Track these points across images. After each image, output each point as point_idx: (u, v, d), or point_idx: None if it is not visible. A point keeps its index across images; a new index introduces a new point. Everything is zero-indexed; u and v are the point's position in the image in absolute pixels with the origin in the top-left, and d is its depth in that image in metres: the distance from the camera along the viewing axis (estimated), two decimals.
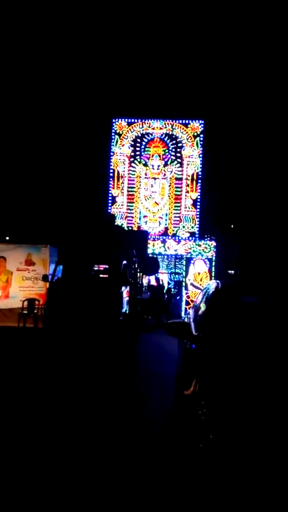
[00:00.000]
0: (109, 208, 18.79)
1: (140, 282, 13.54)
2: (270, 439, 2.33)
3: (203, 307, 4.60)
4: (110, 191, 18.93)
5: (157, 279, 17.01)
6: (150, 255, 15.16)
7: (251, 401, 2.56)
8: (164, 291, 16.11)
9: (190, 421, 2.76)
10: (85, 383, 6.47)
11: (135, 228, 18.25)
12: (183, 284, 18.06)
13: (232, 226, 25.46)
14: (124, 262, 9.60)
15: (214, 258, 18.17)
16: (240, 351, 3.21)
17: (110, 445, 4.25)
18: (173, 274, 19.47)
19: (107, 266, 9.91)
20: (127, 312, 9.95)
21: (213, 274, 18.10)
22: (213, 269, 18.13)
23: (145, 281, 16.22)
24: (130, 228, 18.19)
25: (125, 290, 9.70)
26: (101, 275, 10.49)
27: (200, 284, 18.01)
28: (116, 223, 15.10)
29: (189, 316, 5.68)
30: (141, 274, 13.32)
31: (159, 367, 7.83)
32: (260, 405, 2.52)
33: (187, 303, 17.98)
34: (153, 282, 17.21)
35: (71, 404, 5.47)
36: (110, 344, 7.87)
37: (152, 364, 8.16)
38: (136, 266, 11.94)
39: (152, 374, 7.37)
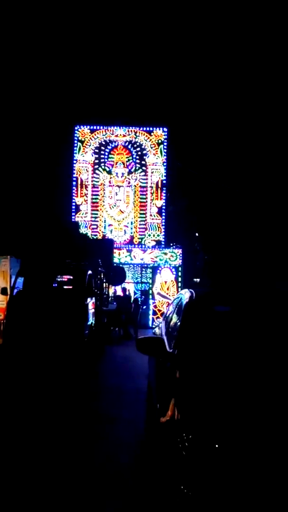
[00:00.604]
0: (73, 216, 18.26)
1: (106, 292, 13.09)
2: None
3: (175, 318, 4.25)
4: (73, 199, 18.41)
5: (123, 289, 16.60)
6: (116, 265, 14.75)
7: (243, 434, 2.19)
8: (131, 301, 15.71)
9: (169, 457, 2.37)
10: (46, 402, 5.94)
11: (99, 237, 17.80)
12: (150, 293, 17.75)
13: (197, 234, 25.48)
14: (89, 272, 9.14)
15: (180, 266, 18.00)
16: (220, 368, 2.86)
17: (69, 477, 3.73)
18: (140, 284, 19.13)
19: (71, 277, 9.42)
20: (93, 324, 9.48)
21: (179, 283, 17.91)
22: (179, 277, 17.96)
23: (111, 291, 15.78)
24: (94, 237, 17.72)
25: (90, 302, 9.24)
26: (65, 286, 9.98)
27: (167, 293, 17.76)
28: (80, 232, 14.61)
29: (159, 327, 5.31)
30: (107, 284, 12.86)
31: (127, 383, 7.40)
32: (253, 437, 2.16)
33: (155, 313, 17.66)
34: (120, 292, 16.78)
35: (30, 425, 4.94)
36: (74, 359, 7.37)
37: (119, 380, 7.71)
38: (102, 276, 11.48)
39: (120, 391, 6.93)
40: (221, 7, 19.37)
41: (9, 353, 7.55)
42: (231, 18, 19.94)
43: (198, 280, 27.24)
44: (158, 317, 17.48)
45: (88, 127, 18.47)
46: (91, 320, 9.38)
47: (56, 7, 18.64)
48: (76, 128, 18.44)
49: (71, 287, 9.40)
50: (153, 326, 17.27)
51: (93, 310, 9.47)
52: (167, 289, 17.75)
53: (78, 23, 19.39)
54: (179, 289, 17.79)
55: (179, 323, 3.74)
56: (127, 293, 16.57)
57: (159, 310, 17.53)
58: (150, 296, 17.63)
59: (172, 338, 3.65)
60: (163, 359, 3.39)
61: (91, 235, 17.80)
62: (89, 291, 9.02)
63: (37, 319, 7.91)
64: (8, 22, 17.60)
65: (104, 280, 12.05)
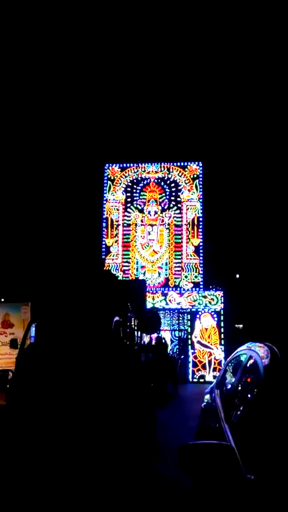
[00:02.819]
0: (103, 260, 16.97)
1: (139, 342, 11.31)
2: None
3: (243, 391, 2.54)
4: (103, 241, 17.20)
5: (158, 338, 14.75)
6: (149, 309, 13.08)
7: None
8: (168, 351, 13.64)
9: None
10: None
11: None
12: (189, 342, 15.80)
13: (237, 276, 23.53)
14: (116, 318, 7.54)
15: (222, 311, 16.06)
16: None
17: None
18: (177, 331, 17.23)
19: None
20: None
21: (222, 330, 15.91)
22: (221, 323, 15.98)
23: (146, 339, 14.00)
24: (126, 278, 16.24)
25: None
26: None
27: (208, 342, 15.75)
28: (105, 270, 13.17)
29: (211, 398, 3.57)
30: (139, 332, 11.13)
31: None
32: None
33: (195, 364, 15.61)
34: (154, 341, 14.95)
35: None
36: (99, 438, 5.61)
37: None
38: (133, 322, 9.83)
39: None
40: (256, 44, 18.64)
41: (10, 420, 5.89)
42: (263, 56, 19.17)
43: (240, 326, 24.97)
44: (198, 369, 15.42)
45: (118, 165, 17.56)
46: None
47: (83, 43, 18.48)
48: (106, 166, 17.59)
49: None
50: (194, 380, 15.21)
51: None
52: (208, 336, 15.75)
53: (107, 60, 19.13)
54: (222, 336, 15.76)
55: (252, 404, 2.04)
56: (163, 341, 14.63)
57: (200, 361, 15.47)
58: (189, 345, 15.66)
59: (240, 433, 1.94)
60: (235, 492, 1.67)
61: (123, 277, 16.34)
62: (116, 341, 7.36)
63: (49, 380, 6.28)
64: (36, 60, 17.48)
65: (136, 328, 10.37)
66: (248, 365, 2.69)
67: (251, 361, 2.62)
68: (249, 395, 2.37)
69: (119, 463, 4.67)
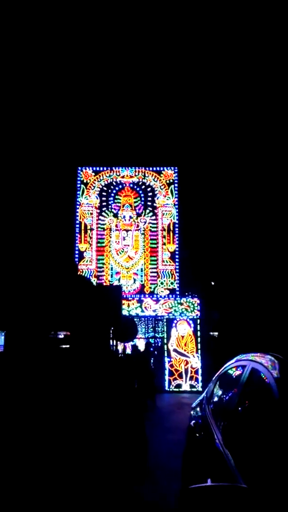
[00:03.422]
0: (76, 265, 16.39)
1: (114, 350, 10.82)
2: None
3: (244, 413, 2.14)
4: (76, 246, 16.63)
5: (133, 347, 14.26)
6: (126, 316, 12.61)
7: None
8: (147, 360, 12.80)
9: None
10: None
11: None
12: (165, 350, 15.39)
13: (212, 283, 23.37)
14: None
15: (199, 318, 15.75)
16: None
17: None
18: (152, 339, 16.80)
19: (67, 333, 7.32)
20: None
21: (198, 338, 15.58)
22: (198, 331, 15.65)
23: (120, 348, 13.51)
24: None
25: None
26: (60, 345, 7.84)
27: (185, 350, 15.37)
28: (78, 274, 12.59)
29: (195, 420, 3.16)
30: (114, 341, 10.63)
31: (147, 492, 5.02)
32: None
33: (171, 373, 15.19)
34: (128, 350, 14.47)
35: None
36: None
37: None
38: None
39: None
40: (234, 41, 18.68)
41: None
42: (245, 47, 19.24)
43: (215, 334, 24.75)
44: (175, 378, 15.01)
45: (92, 168, 17.10)
46: None
47: (57, 38, 18.01)
48: (79, 169, 17.09)
49: (67, 346, 7.26)
50: (170, 389, 14.77)
51: None
52: (185, 344, 15.39)
53: (84, 58, 18.72)
54: (198, 344, 15.42)
55: (267, 427, 1.63)
56: (140, 350, 14.09)
57: (176, 370, 15.07)
58: (165, 353, 15.25)
59: (254, 467, 1.53)
60: None
61: (96, 284, 15.79)
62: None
63: (21, 391, 5.67)
64: (11, 56, 16.88)
65: (111, 336, 9.87)
66: (248, 378, 2.29)
67: (253, 374, 2.22)
68: (257, 415, 1.97)
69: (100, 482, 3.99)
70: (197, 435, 2.81)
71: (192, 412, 3.64)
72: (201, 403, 3.40)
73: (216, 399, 2.90)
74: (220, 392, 2.91)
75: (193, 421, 3.18)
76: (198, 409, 3.36)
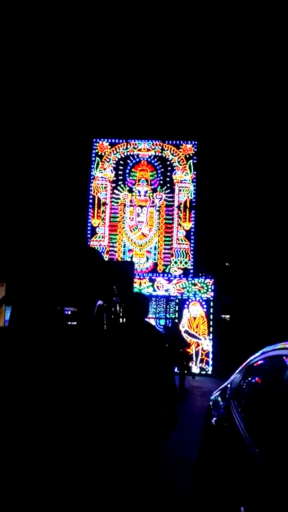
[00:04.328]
0: (88, 241, 15.92)
1: None
2: None
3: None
4: (89, 221, 16.12)
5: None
6: (137, 294, 12.15)
7: None
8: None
9: None
10: None
11: None
12: (177, 331, 14.94)
13: (227, 264, 22.75)
14: (100, 302, 6.57)
15: (212, 299, 15.23)
16: None
17: None
18: (163, 319, 16.37)
19: (74, 309, 6.87)
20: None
21: (210, 320, 15.10)
22: (211, 313, 15.16)
23: None
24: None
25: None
26: (67, 322, 7.41)
27: (196, 332, 14.92)
28: (88, 247, 12.15)
29: (216, 418, 2.66)
30: (124, 319, 10.19)
31: None
32: None
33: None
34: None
35: None
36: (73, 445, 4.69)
37: None
38: (118, 308, 8.89)
39: None
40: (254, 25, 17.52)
41: None
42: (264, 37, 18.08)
43: (227, 316, 24.25)
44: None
45: (108, 140, 16.42)
46: None
47: (69, 15, 17.11)
48: (94, 141, 16.42)
49: (74, 323, 6.82)
50: (178, 372, 14.36)
51: None
52: (196, 326, 14.96)
53: (100, 30, 17.81)
54: (211, 327, 14.95)
55: None
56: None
57: (187, 353, 14.66)
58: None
59: None
60: None
61: (108, 260, 15.34)
62: (98, 329, 6.42)
63: (25, 371, 5.31)
64: (23, 33, 16.10)
65: (121, 314, 9.43)
66: None
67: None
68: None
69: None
70: (219, 442, 2.31)
71: (211, 404, 3.15)
72: (223, 396, 2.90)
73: (245, 395, 2.39)
74: (251, 388, 2.39)
75: (214, 419, 2.68)
76: (220, 402, 2.86)
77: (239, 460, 1.85)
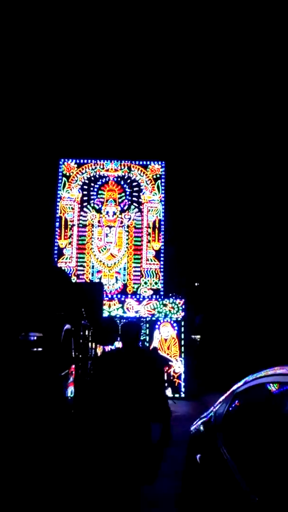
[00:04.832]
0: (55, 262, 15.43)
1: (93, 354, 9.93)
2: None
3: None
4: (56, 242, 15.68)
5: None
6: (107, 317, 11.75)
7: None
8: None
9: None
10: None
11: None
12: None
13: (196, 284, 22.69)
14: (67, 326, 6.18)
15: (184, 320, 14.99)
16: None
17: None
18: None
19: (40, 334, 6.42)
20: (70, 400, 6.38)
21: (181, 341, 14.83)
22: (181, 334, 14.90)
23: (99, 351, 12.60)
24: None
25: (67, 371, 6.21)
26: (32, 349, 6.93)
27: (168, 354, 14.60)
28: (55, 267, 11.71)
29: (200, 454, 2.36)
30: (93, 344, 9.75)
31: None
32: None
33: None
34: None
35: None
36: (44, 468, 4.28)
37: None
38: (87, 332, 8.47)
39: None
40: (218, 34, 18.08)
41: None
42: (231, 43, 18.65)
43: (198, 337, 24.06)
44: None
45: (75, 161, 16.19)
46: (68, 396, 6.31)
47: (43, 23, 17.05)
48: (61, 162, 16.14)
49: (40, 349, 6.37)
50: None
51: (71, 387, 6.40)
52: (168, 348, 14.62)
53: (67, 44, 17.78)
54: (182, 348, 14.66)
55: None
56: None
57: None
58: None
59: None
60: None
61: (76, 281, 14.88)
62: (66, 355, 6.01)
63: None
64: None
65: (90, 338, 9.00)
66: None
67: None
68: None
69: None
70: (204, 479, 2.00)
71: (192, 436, 2.83)
72: (206, 427, 2.59)
73: (233, 428, 2.09)
74: (238, 419, 2.10)
75: (199, 455, 2.36)
76: (203, 435, 2.55)
77: (230, 498, 1.56)
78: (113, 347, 13.17)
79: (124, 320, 15.05)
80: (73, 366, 6.75)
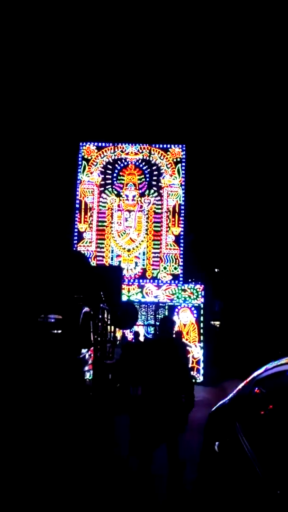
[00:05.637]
0: (75, 246, 15.49)
1: (112, 338, 9.94)
2: None
3: None
4: (76, 226, 15.70)
5: (135, 334, 13.40)
6: (125, 301, 11.75)
7: None
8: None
9: None
10: None
11: None
12: None
13: (216, 270, 22.50)
14: (85, 309, 6.18)
15: (202, 305, 14.90)
16: None
17: None
18: (151, 327, 15.96)
19: (59, 317, 6.45)
20: (88, 382, 6.42)
21: (201, 327, 14.77)
22: (201, 320, 14.82)
23: (118, 335, 12.65)
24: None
25: (87, 353, 6.24)
26: (51, 330, 6.98)
27: (186, 339, 14.55)
28: (74, 251, 11.72)
29: (217, 446, 2.30)
30: (112, 327, 9.77)
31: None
32: None
33: None
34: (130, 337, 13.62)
35: None
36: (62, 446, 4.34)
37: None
38: (106, 315, 8.48)
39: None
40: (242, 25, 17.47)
41: None
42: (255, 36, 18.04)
43: (217, 323, 23.94)
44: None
45: (95, 144, 16.07)
46: (87, 376, 6.35)
47: (62, 12, 16.83)
48: (81, 145, 16.05)
49: (59, 331, 6.40)
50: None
51: (89, 366, 6.42)
52: (187, 333, 14.57)
53: (88, 31, 17.53)
54: (201, 334, 14.60)
55: None
56: (140, 338, 13.18)
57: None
58: None
59: None
60: None
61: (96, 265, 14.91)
62: (84, 338, 6.02)
63: (5, 382, 4.94)
64: (12, 33, 15.75)
65: (109, 322, 9.02)
66: None
67: None
68: None
69: None
70: (222, 477, 1.93)
71: (210, 424, 2.77)
72: (225, 415, 2.52)
73: (255, 417, 2.01)
74: (258, 409, 2.02)
75: (218, 443, 2.30)
76: (221, 423, 2.48)
77: (251, 497, 1.49)
78: (131, 332, 13.20)
79: (144, 305, 15.09)
80: (92, 348, 6.78)
